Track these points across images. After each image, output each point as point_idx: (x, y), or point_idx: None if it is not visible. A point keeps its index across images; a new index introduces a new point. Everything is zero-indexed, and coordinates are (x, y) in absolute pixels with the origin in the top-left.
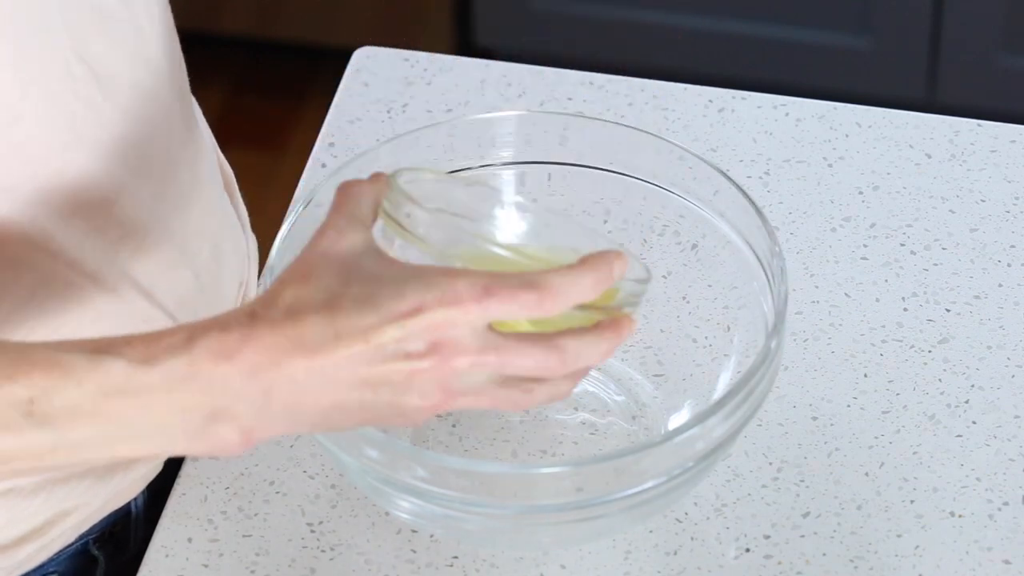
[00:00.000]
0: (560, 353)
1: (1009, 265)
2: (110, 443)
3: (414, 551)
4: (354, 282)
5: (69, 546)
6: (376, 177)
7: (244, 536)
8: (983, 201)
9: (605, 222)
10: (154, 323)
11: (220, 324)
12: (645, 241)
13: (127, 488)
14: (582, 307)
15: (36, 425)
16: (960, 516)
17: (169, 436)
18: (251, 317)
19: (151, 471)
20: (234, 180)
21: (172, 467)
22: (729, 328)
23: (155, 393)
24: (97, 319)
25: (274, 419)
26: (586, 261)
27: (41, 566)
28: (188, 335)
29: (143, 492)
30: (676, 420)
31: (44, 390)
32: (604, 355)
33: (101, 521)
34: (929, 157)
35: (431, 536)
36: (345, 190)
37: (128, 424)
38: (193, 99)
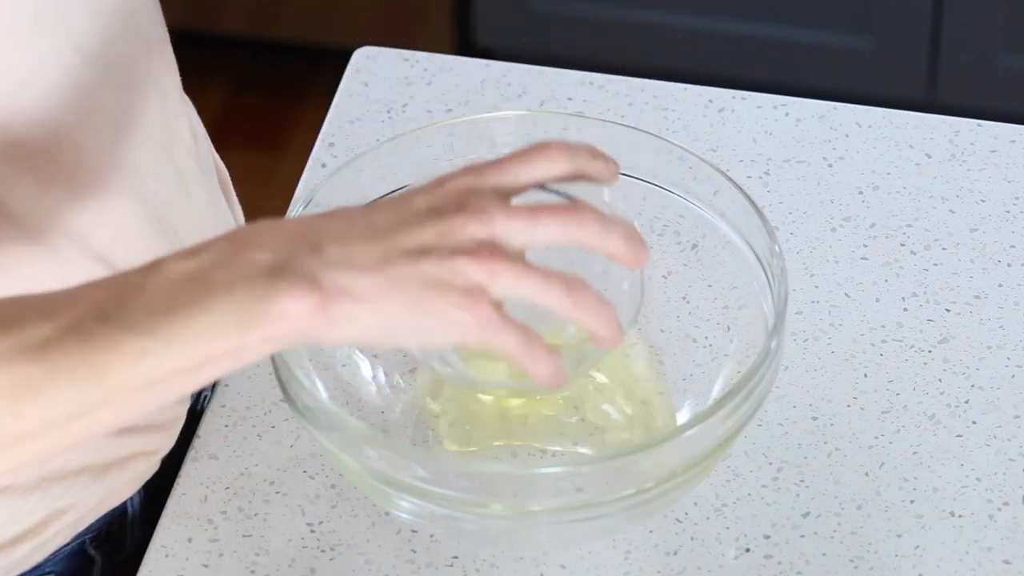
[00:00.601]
0: (586, 207)
1: (1009, 265)
2: (193, 334)
3: (414, 551)
4: None
5: (65, 546)
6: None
7: (244, 536)
8: (983, 201)
9: None
10: None
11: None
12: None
13: (123, 487)
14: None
15: (118, 329)
16: (960, 516)
17: (242, 306)
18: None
19: (148, 469)
20: (229, 179)
21: (169, 468)
22: (729, 328)
23: (212, 271)
24: None
25: (334, 274)
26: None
27: (38, 566)
28: (229, 232)
29: (139, 492)
30: (676, 420)
31: (112, 301)
32: (627, 244)
33: (97, 521)
34: (929, 157)
35: (431, 536)
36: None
37: (198, 307)
38: (187, 98)
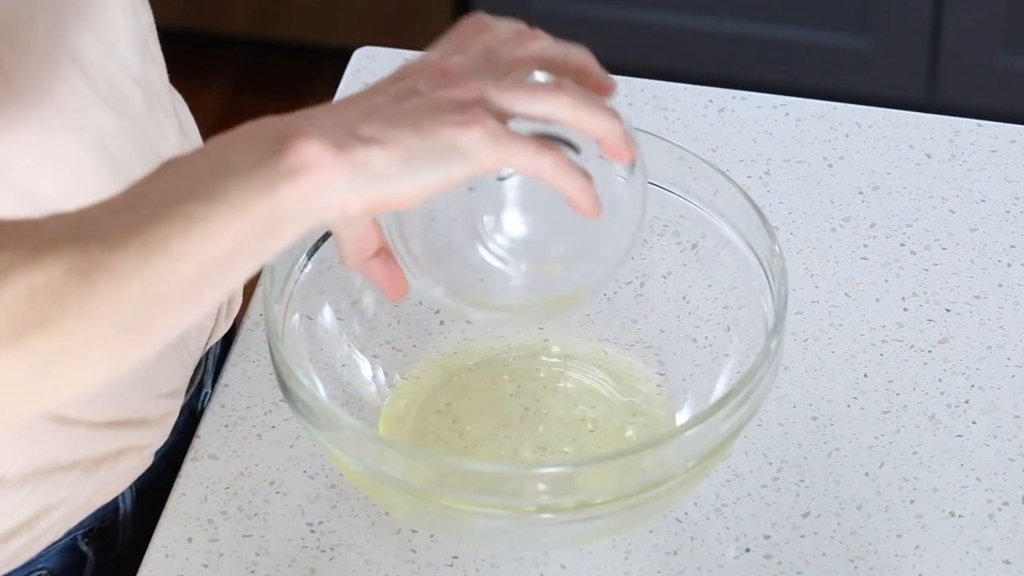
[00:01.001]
0: (536, 32)
1: (1009, 265)
2: (228, 195)
3: (414, 551)
4: None
5: (57, 541)
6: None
7: (244, 536)
8: (983, 201)
9: None
10: None
11: None
12: (645, 241)
13: (113, 482)
14: None
15: (157, 202)
16: (960, 516)
17: (265, 164)
18: None
19: (139, 464)
20: None
21: (162, 467)
22: (729, 328)
23: (221, 150)
24: None
25: (334, 126)
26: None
27: (30, 562)
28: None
29: (131, 490)
30: (676, 420)
31: (138, 188)
32: (587, 61)
33: (89, 517)
34: (929, 157)
35: (431, 536)
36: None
37: (222, 172)
38: (177, 93)
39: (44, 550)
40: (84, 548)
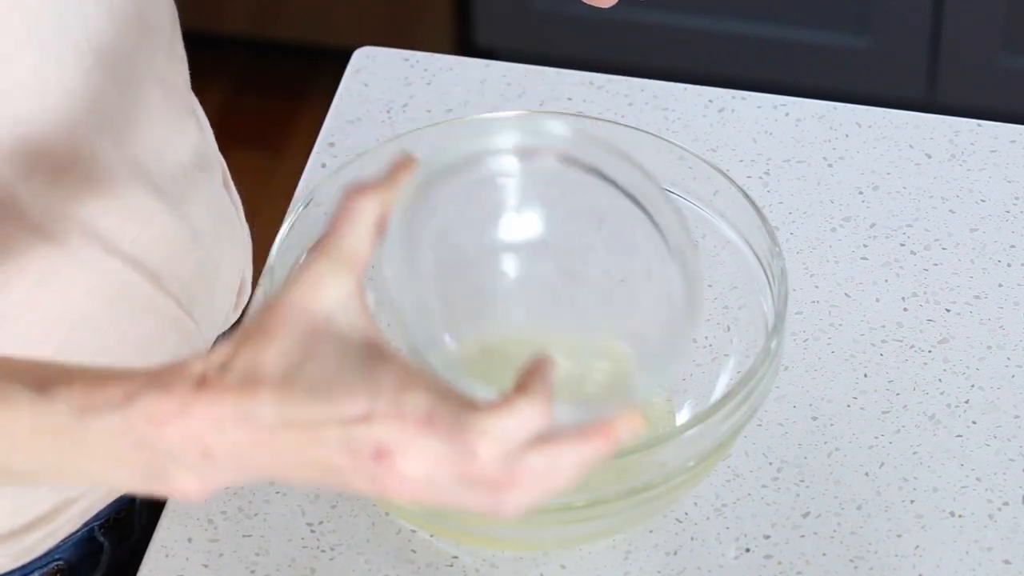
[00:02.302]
0: (520, 462)
1: (1009, 265)
2: (56, 474)
3: (414, 551)
4: (315, 356)
5: (75, 533)
6: (391, 178)
7: (244, 536)
8: (983, 201)
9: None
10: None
11: (163, 385)
12: None
13: None
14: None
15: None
16: (960, 516)
17: (116, 480)
18: (199, 383)
19: None
20: (227, 169)
21: None
22: (729, 328)
23: (93, 445)
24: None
25: (221, 473)
26: (521, 386)
27: (47, 553)
28: (127, 393)
29: None
30: (676, 420)
31: (17, 420)
32: (580, 467)
33: (106, 508)
34: (929, 157)
35: (431, 536)
36: (346, 207)
37: (69, 464)
38: (192, 93)
39: (61, 541)
40: (100, 539)
